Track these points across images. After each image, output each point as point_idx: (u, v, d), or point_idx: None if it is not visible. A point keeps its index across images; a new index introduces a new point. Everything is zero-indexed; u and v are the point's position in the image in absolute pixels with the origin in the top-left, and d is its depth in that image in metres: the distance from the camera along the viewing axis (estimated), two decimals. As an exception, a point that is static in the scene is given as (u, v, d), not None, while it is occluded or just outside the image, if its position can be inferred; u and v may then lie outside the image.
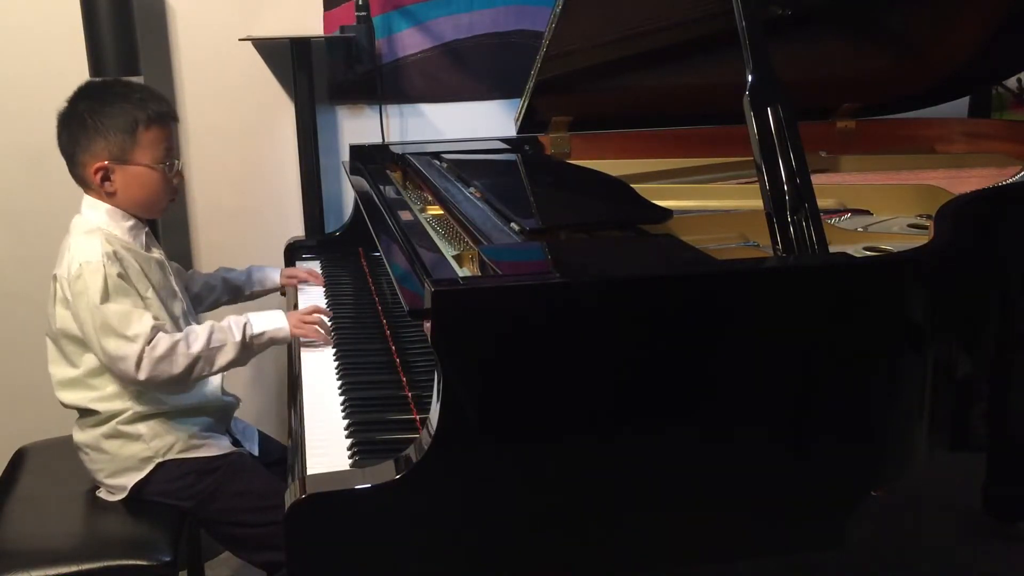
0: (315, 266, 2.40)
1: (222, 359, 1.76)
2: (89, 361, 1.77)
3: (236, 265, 2.25)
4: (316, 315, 1.88)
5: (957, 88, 2.46)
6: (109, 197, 1.80)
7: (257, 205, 2.64)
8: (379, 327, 1.98)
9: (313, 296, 2.19)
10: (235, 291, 2.19)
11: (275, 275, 2.24)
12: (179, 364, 1.71)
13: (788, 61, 1.50)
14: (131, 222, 1.82)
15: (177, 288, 1.91)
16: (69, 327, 1.76)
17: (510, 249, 1.47)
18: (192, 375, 1.74)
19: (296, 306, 2.13)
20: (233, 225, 2.63)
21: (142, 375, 1.70)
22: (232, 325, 1.78)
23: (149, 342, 1.69)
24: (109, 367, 1.73)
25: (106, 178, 1.78)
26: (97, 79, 2.04)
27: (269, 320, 1.82)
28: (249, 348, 1.79)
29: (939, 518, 1.45)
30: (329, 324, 1.93)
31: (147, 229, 1.87)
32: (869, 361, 1.32)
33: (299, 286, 2.24)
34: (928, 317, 1.34)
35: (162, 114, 1.83)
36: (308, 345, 1.88)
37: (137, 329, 1.69)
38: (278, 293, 2.38)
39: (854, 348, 1.30)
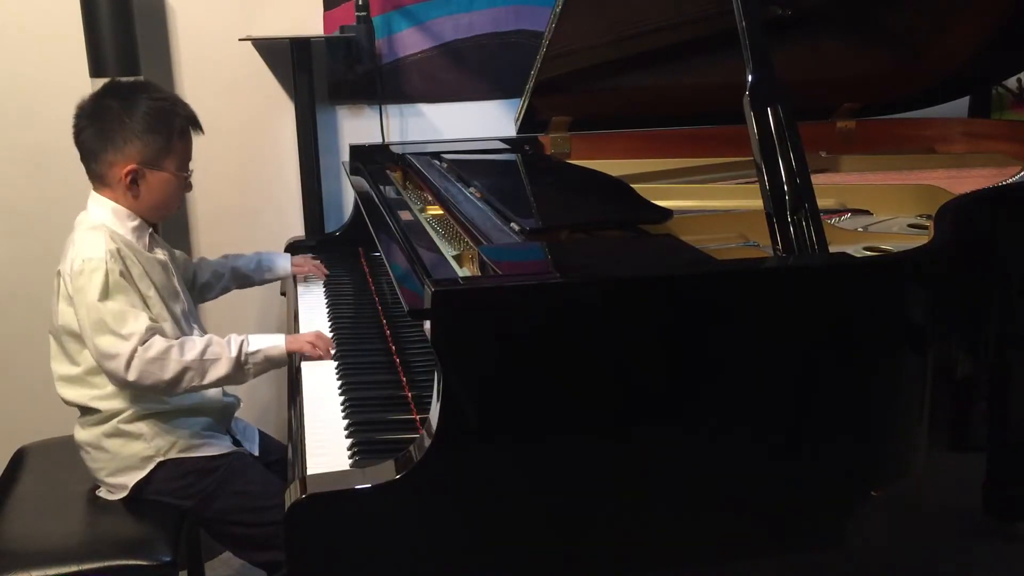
0: (315, 265, 2.39)
1: (214, 373, 1.73)
2: (89, 359, 1.76)
3: (238, 264, 2.25)
4: (317, 337, 1.85)
5: (957, 88, 2.46)
6: (132, 199, 1.79)
7: (257, 205, 2.64)
8: (379, 327, 1.97)
9: (314, 299, 2.18)
10: (244, 279, 2.20)
11: (284, 262, 2.24)
12: (170, 369, 1.69)
13: (788, 61, 1.51)
14: (136, 222, 1.81)
15: (180, 289, 1.90)
16: (71, 323, 1.75)
17: (510, 249, 1.47)
18: (181, 384, 1.71)
19: (296, 311, 2.13)
20: (233, 225, 2.63)
21: (131, 375, 1.68)
22: (231, 340, 1.76)
23: (144, 343, 1.68)
24: (99, 364, 1.72)
25: (135, 181, 1.77)
26: (122, 78, 2.01)
27: (266, 339, 1.79)
28: (244, 366, 1.75)
29: (939, 518, 1.45)
30: (331, 340, 1.89)
31: (151, 230, 1.87)
32: (869, 361, 1.32)
33: (299, 289, 2.24)
34: (928, 317, 1.34)
35: (195, 122, 1.84)
36: (308, 345, 1.87)
37: (132, 328, 1.68)
38: (279, 294, 2.38)
39: (854, 348, 1.30)
